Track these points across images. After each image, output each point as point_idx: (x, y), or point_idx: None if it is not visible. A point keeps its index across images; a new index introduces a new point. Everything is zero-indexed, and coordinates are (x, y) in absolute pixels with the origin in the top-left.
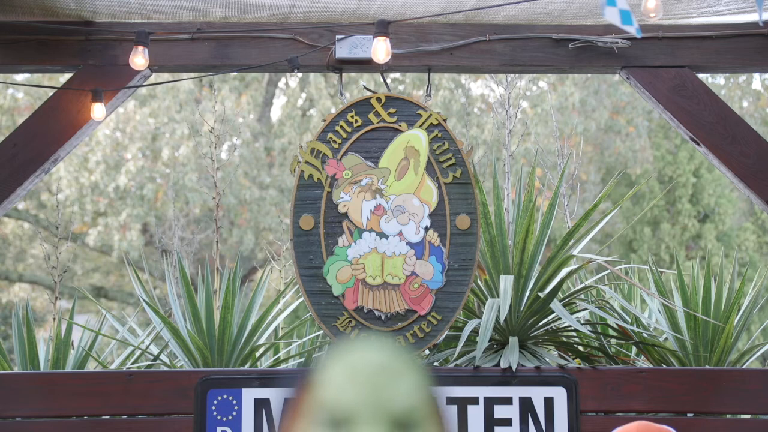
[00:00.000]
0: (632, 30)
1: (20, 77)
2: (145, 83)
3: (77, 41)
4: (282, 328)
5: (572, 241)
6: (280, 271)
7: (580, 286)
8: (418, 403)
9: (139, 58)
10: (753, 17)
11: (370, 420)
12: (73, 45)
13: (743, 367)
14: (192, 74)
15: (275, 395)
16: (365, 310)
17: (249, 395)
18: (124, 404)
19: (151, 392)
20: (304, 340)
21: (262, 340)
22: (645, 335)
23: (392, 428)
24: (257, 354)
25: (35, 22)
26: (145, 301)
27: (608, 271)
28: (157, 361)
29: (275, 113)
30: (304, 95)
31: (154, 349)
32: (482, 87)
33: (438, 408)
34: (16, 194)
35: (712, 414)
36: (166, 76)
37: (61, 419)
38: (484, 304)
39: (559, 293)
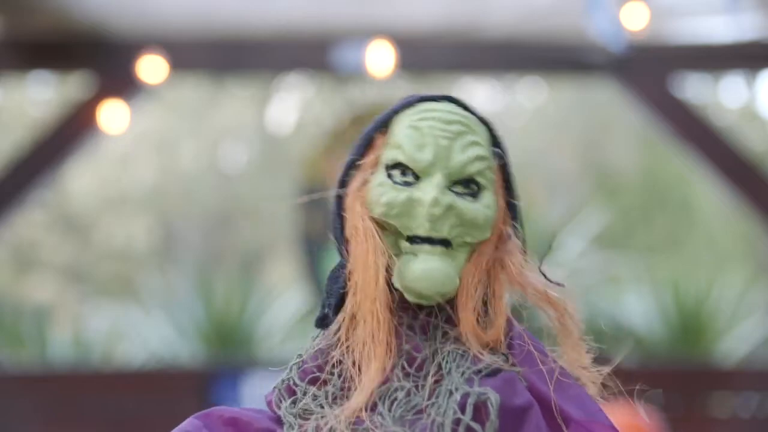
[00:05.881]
0: (618, 42)
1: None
2: (155, 89)
3: (90, 49)
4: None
5: (560, 241)
6: (285, 267)
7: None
8: (484, 162)
9: (149, 66)
10: (728, 20)
11: (434, 174)
12: (86, 52)
13: (728, 360)
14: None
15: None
16: None
17: (253, 383)
18: (134, 395)
19: (160, 383)
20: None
21: (267, 331)
22: (633, 330)
23: (457, 184)
24: (262, 344)
25: (51, 30)
26: (156, 295)
27: (597, 270)
28: (167, 353)
29: (279, 118)
30: (305, 101)
31: (164, 342)
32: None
33: (506, 168)
34: (29, 196)
35: (696, 407)
36: (175, 82)
37: (70, 412)
38: None
39: None
